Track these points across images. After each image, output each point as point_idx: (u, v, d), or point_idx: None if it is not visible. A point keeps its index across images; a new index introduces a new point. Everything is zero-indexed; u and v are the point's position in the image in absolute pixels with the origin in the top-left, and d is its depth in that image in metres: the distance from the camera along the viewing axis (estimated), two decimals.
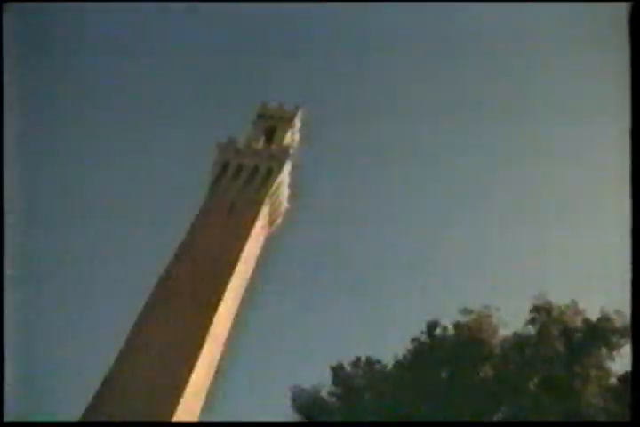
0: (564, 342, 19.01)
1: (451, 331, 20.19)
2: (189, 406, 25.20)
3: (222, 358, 29.04)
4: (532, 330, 19.60)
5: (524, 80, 42.12)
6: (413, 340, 20.56)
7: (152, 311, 26.92)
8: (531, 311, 19.48)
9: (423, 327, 20.70)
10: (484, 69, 42.59)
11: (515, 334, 19.94)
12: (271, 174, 33.06)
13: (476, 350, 19.33)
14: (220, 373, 29.00)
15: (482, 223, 39.98)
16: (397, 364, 20.28)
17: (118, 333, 26.50)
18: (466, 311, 20.22)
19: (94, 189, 39.65)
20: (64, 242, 36.77)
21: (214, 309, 27.14)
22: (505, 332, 20.05)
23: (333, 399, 20.79)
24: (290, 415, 21.76)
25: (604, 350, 18.76)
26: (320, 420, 20.32)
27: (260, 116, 37.35)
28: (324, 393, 21.15)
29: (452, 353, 19.54)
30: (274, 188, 32.69)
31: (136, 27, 42.13)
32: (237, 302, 30.23)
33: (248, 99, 41.46)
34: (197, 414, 26.47)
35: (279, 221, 34.99)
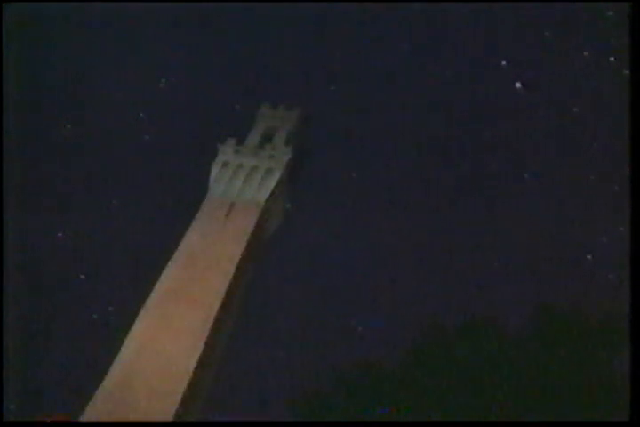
0: (565, 342, 19.01)
1: (452, 332, 20.22)
2: (189, 405, 25.22)
3: (222, 359, 29.06)
4: (534, 331, 19.62)
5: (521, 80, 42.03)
6: (414, 340, 20.58)
7: (151, 312, 26.97)
8: (533, 312, 19.52)
9: (424, 328, 20.73)
10: (482, 69, 42.53)
11: (517, 335, 19.96)
12: (271, 174, 33.03)
13: (477, 350, 19.34)
14: (220, 373, 29.02)
15: (483, 222, 39.94)
16: (398, 364, 20.30)
17: (118, 334, 26.55)
18: (467, 312, 20.27)
19: (93, 191, 39.62)
20: (63, 246, 36.79)
21: (214, 309, 27.17)
22: (507, 333, 20.06)
23: (333, 399, 20.80)
24: (290, 415, 21.76)
25: (604, 351, 18.75)
26: (320, 420, 20.34)
27: (261, 115, 37.32)
28: (324, 393, 21.16)
29: (452, 354, 19.55)
30: (274, 188, 32.65)
31: (135, 26, 42.07)
32: (237, 302, 30.23)
33: (248, 98, 41.39)
34: (197, 413, 26.49)
35: (279, 221, 34.97)
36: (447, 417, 18.25)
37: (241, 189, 32.39)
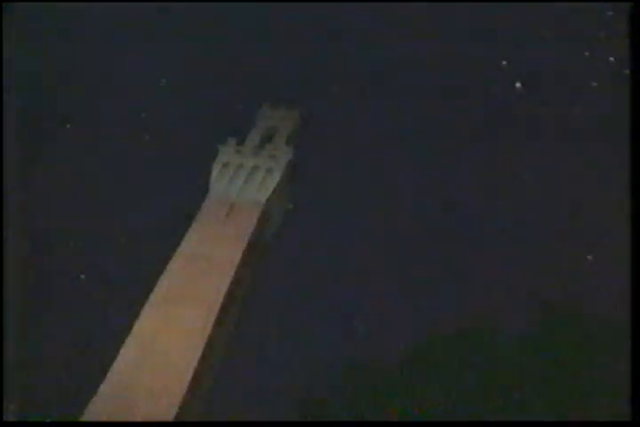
0: (566, 342, 19.02)
1: (452, 332, 20.23)
2: (190, 405, 25.23)
3: (223, 359, 29.08)
4: (534, 331, 19.62)
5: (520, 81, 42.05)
6: (414, 341, 20.61)
7: (152, 312, 26.99)
8: (533, 312, 19.52)
9: (425, 328, 20.75)
10: (482, 69, 42.55)
11: (517, 335, 19.97)
12: (272, 174, 33.04)
13: (478, 350, 19.36)
14: (221, 373, 29.04)
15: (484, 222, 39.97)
16: (398, 365, 20.31)
17: (118, 334, 26.56)
18: (467, 312, 20.30)
19: (92, 191, 39.68)
20: (63, 246, 36.82)
21: (215, 309, 27.19)
22: (507, 333, 20.05)
23: (334, 399, 20.81)
24: (290, 415, 21.79)
25: (605, 350, 18.75)
26: (320, 420, 20.35)
27: (261, 115, 37.34)
28: (324, 393, 21.17)
29: (454, 354, 19.56)
30: (274, 187, 32.66)
31: (135, 26, 42.09)
32: (237, 302, 30.25)
33: (248, 98, 41.40)
34: (198, 413, 26.51)
35: (280, 221, 34.97)
36: (447, 417, 18.24)
37: (241, 189, 32.39)
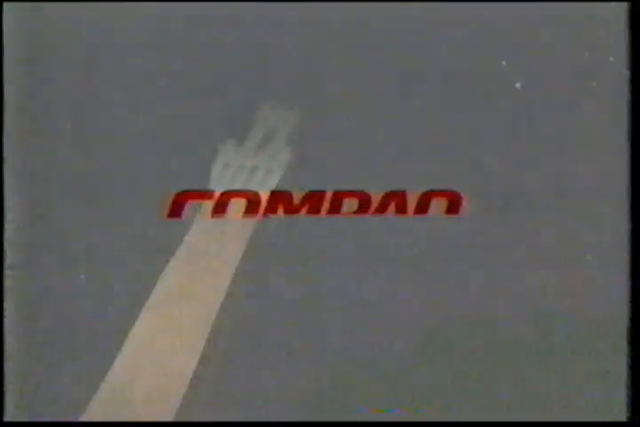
0: (564, 342, 19.06)
1: (451, 332, 20.27)
2: (190, 405, 25.30)
3: (223, 359, 29.11)
4: (533, 331, 19.67)
5: (518, 81, 42.01)
6: (413, 341, 20.63)
7: (151, 312, 27.05)
8: (532, 312, 19.56)
9: (423, 328, 20.78)
10: (483, 69, 42.54)
11: (516, 335, 20.00)
12: (272, 174, 33.13)
13: (476, 350, 19.41)
14: (221, 373, 29.06)
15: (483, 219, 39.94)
16: (397, 365, 20.34)
17: (118, 334, 26.61)
18: (466, 312, 20.32)
19: (92, 191, 39.66)
20: (62, 246, 36.80)
21: (214, 309, 27.28)
22: (506, 333, 20.09)
23: (334, 399, 20.86)
24: (290, 414, 21.81)
25: (603, 351, 18.80)
26: (320, 420, 20.38)
27: (261, 115, 37.40)
28: (324, 392, 21.20)
29: (451, 354, 19.61)
30: (274, 188, 32.75)
31: (135, 25, 42.11)
32: (238, 302, 30.31)
33: (248, 98, 41.43)
34: (198, 413, 26.57)
35: (280, 220, 34.99)
36: (446, 417, 18.29)
37: (241, 189, 32.47)
